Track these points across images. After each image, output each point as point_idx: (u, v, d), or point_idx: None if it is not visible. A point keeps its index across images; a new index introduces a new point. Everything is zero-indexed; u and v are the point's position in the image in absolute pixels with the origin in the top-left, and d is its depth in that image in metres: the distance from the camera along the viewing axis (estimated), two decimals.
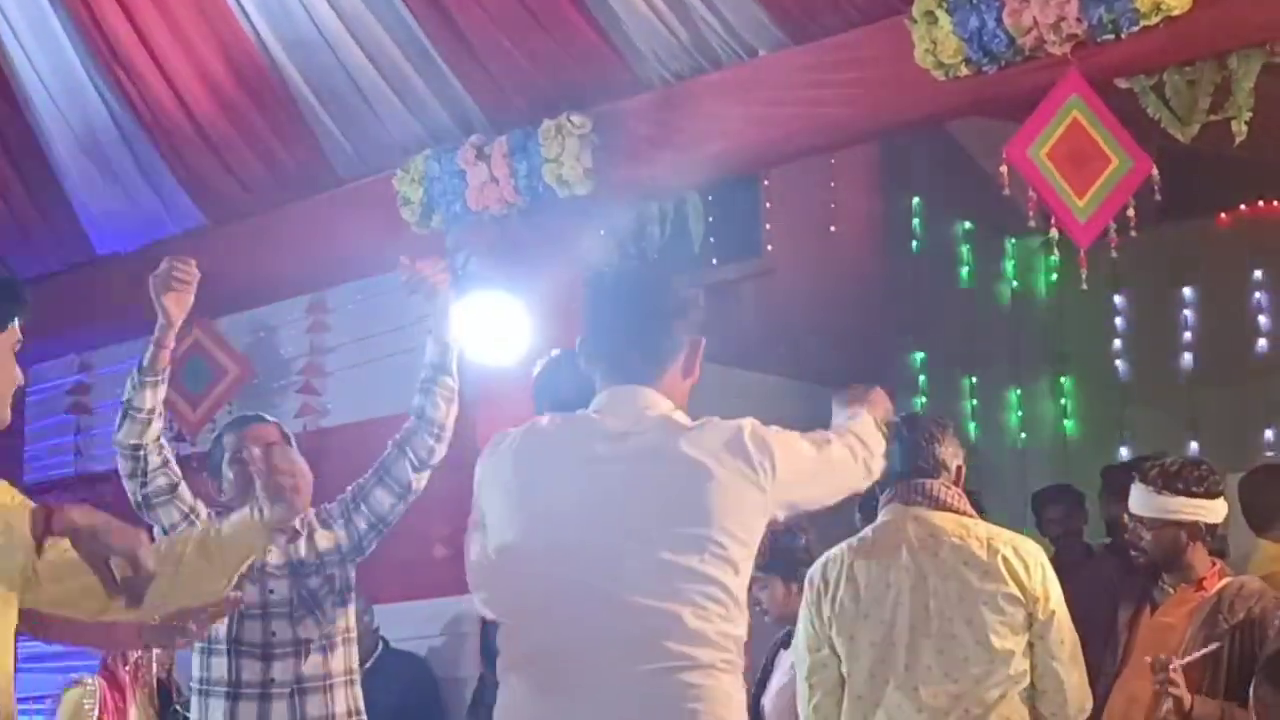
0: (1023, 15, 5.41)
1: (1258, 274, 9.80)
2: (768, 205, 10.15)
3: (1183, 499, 4.88)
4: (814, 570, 4.64)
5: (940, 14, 5.58)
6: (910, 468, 4.56)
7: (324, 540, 4.73)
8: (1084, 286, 5.50)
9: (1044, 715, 4.45)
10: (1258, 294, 9.76)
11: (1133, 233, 5.34)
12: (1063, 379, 10.69)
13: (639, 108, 6.66)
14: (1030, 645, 4.41)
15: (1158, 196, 5.37)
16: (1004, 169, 5.42)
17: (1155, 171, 5.37)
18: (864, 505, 6.38)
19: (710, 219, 7.10)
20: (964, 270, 10.58)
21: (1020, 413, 10.66)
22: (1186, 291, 10.10)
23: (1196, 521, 4.89)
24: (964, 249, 10.59)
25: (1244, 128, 5.29)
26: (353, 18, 7.06)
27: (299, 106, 7.47)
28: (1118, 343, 10.33)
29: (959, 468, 4.62)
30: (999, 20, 5.46)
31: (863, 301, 9.96)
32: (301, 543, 4.72)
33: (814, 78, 6.15)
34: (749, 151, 6.57)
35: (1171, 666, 4.63)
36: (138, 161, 8.03)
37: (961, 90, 5.72)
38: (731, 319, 10.11)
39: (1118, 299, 10.24)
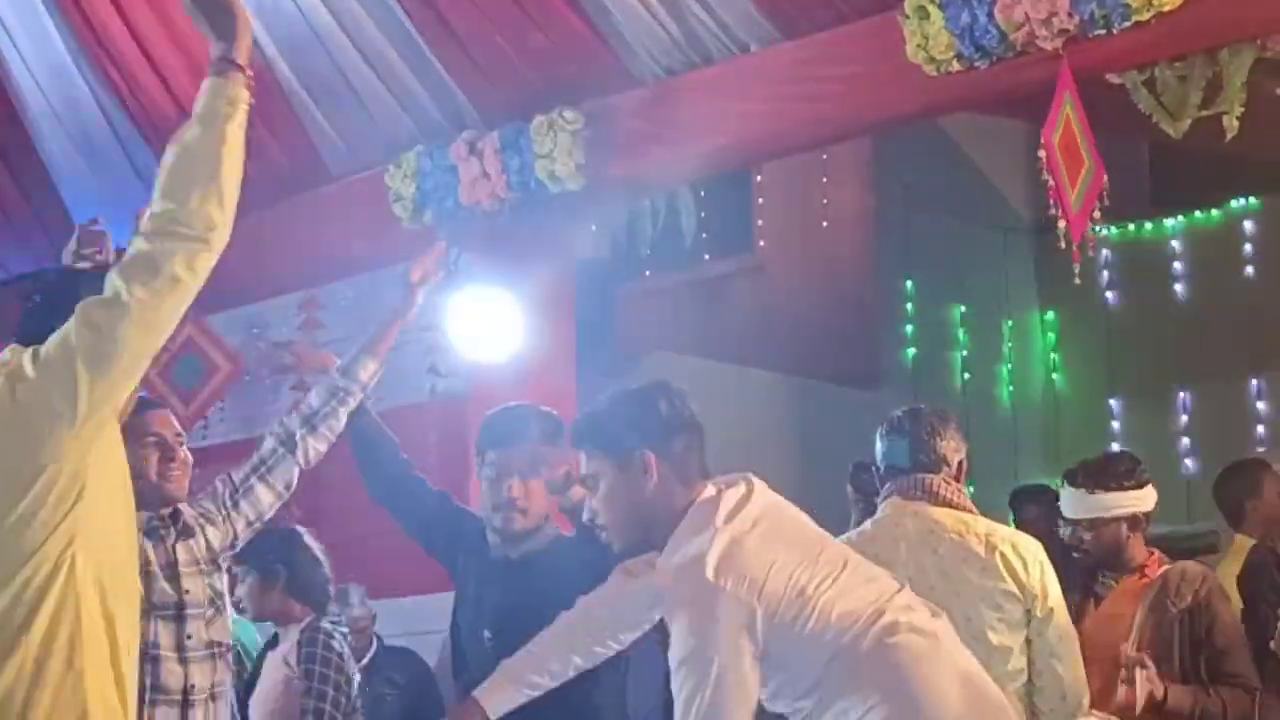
0: (1014, 11, 5.41)
1: (1249, 270, 9.82)
2: (759, 201, 10.18)
3: (1117, 494, 4.98)
4: None
5: (932, 9, 5.58)
6: (911, 462, 4.55)
7: (214, 537, 4.46)
8: (1076, 280, 5.51)
9: (1041, 711, 4.45)
10: (1250, 289, 9.77)
11: (1101, 231, 5.35)
12: (1055, 375, 10.70)
13: (631, 103, 6.66)
14: (1028, 641, 4.42)
15: (1106, 203, 5.37)
16: (1042, 154, 5.38)
17: (1107, 181, 5.39)
18: (855, 477, 6.39)
19: (702, 215, 7.11)
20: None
21: (1012, 406, 10.68)
22: (1178, 288, 10.11)
23: (1134, 513, 4.99)
24: (955, 243, 10.60)
25: (1235, 123, 5.30)
26: (345, 13, 7.06)
27: (291, 102, 7.47)
28: (1109, 339, 10.34)
29: (960, 463, 4.60)
30: (990, 15, 5.46)
31: (854, 296, 9.97)
32: (197, 539, 4.44)
33: (806, 73, 6.15)
34: (741, 147, 6.57)
35: (1144, 661, 4.71)
36: (130, 158, 8.02)
37: (953, 85, 5.73)
38: (723, 314, 10.13)
39: (1109, 294, 10.25)
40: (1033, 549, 4.47)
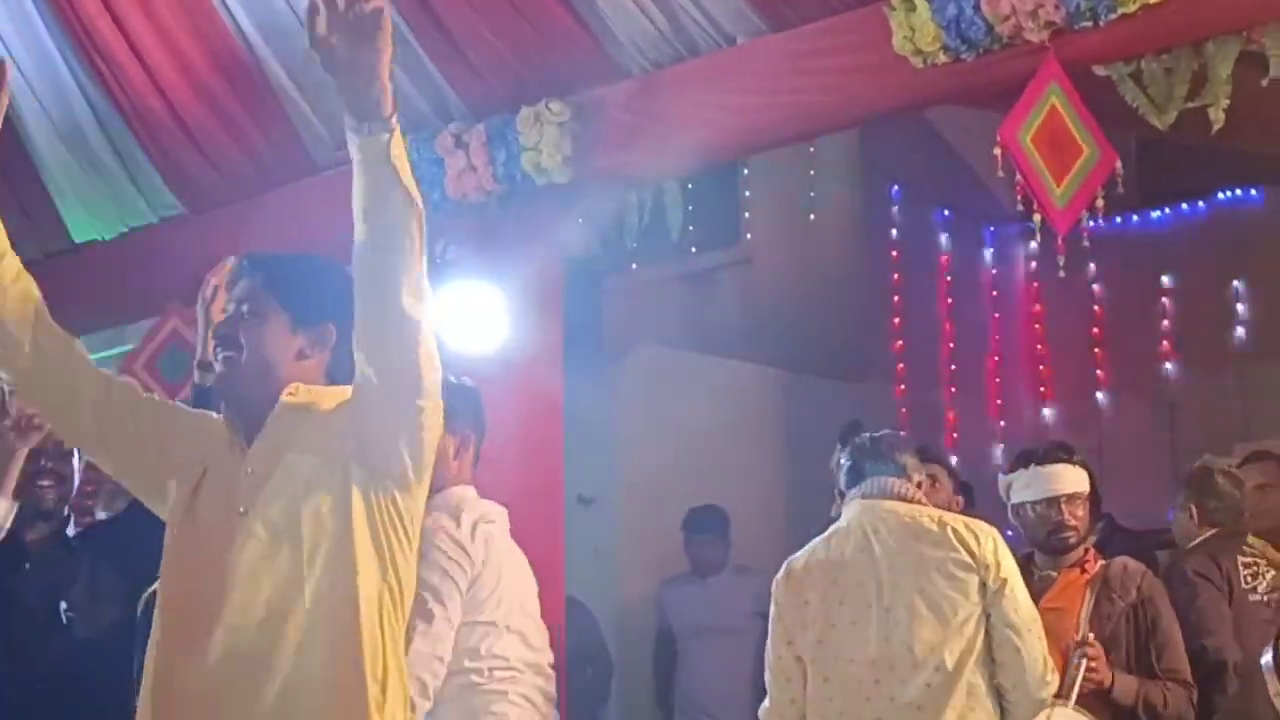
0: (1001, 2, 5.41)
1: (1235, 261, 9.83)
2: (747, 193, 10.16)
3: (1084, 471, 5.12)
4: (779, 575, 4.77)
5: (919, 1, 5.58)
6: (871, 469, 4.67)
7: None
8: (1061, 274, 5.52)
9: (1005, 688, 4.49)
10: (1235, 281, 9.79)
11: (1100, 222, 5.37)
12: (1042, 367, 10.71)
13: (618, 96, 6.65)
14: (986, 615, 4.47)
15: (1120, 189, 5.38)
16: (997, 152, 5.40)
17: (1120, 165, 5.39)
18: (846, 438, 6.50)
19: (689, 207, 7.10)
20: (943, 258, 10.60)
21: (999, 400, 10.68)
22: (1165, 280, 10.12)
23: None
24: (942, 237, 10.61)
25: (1221, 115, 5.31)
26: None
27: (276, 94, 7.45)
28: (1096, 331, 10.35)
29: (920, 481, 4.72)
30: (977, 8, 5.46)
31: (841, 290, 9.97)
32: None
33: (793, 65, 6.14)
34: (728, 139, 6.56)
35: (1091, 645, 4.75)
36: (115, 149, 8.00)
37: (940, 78, 5.72)
38: (710, 307, 10.13)
39: (1096, 287, 10.26)
40: (986, 528, 4.58)
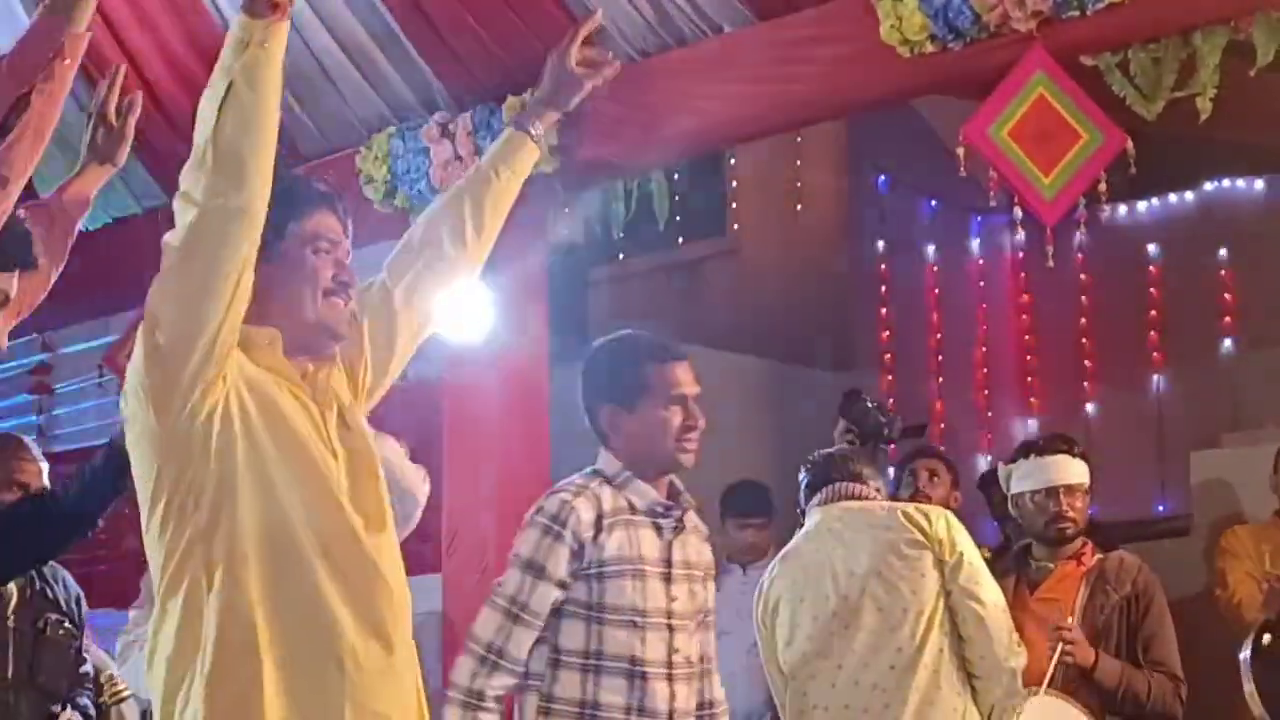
0: None
1: (1223, 252, 9.83)
2: (733, 184, 10.15)
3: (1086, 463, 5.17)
4: (756, 596, 4.83)
5: None
6: (831, 479, 4.70)
7: None
8: (1050, 264, 5.51)
9: (973, 662, 4.48)
10: (1223, 272, 9.79)
11: (1105, 209, 5.35)
12: (1030, 357, 10.70)
13: (603, 85, 6.62)
14: (947, 593, 4.47)
15: (1133, 170, 5.38)
16: (960, 150, 5.40)
17: (1131, 146, 5.38)
18: (848, 408, 6.52)
19: (675, 197, 7.08)
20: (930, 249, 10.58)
21: (987, 390, 10.67)
22: (1152, 270, 10.12)
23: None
24: (930, 227, 10.59)
25: (1209, 105, 5.30)
26: None
27: None
28: (1084, 320, 10.34)
29: (878, 488, 4.76)
30: None
31: (828, 280, 9.96)
32: None
33: (780, 55, 6.12)
34: (715, 129, 6.54)
35: (1066, 625, 4.75)
36: None
37: (927, 67, 5.70)
38: (697, 298, 10.12)
39: (1084, 277, 10.25)
40: (936, 509, 4.65)
